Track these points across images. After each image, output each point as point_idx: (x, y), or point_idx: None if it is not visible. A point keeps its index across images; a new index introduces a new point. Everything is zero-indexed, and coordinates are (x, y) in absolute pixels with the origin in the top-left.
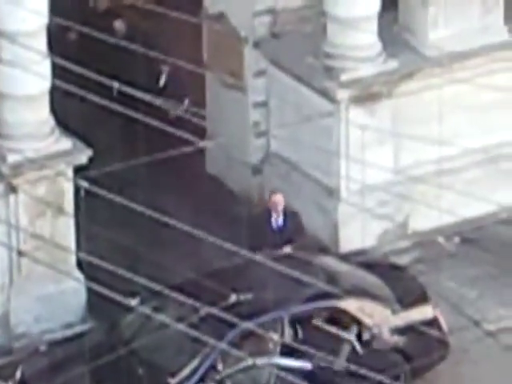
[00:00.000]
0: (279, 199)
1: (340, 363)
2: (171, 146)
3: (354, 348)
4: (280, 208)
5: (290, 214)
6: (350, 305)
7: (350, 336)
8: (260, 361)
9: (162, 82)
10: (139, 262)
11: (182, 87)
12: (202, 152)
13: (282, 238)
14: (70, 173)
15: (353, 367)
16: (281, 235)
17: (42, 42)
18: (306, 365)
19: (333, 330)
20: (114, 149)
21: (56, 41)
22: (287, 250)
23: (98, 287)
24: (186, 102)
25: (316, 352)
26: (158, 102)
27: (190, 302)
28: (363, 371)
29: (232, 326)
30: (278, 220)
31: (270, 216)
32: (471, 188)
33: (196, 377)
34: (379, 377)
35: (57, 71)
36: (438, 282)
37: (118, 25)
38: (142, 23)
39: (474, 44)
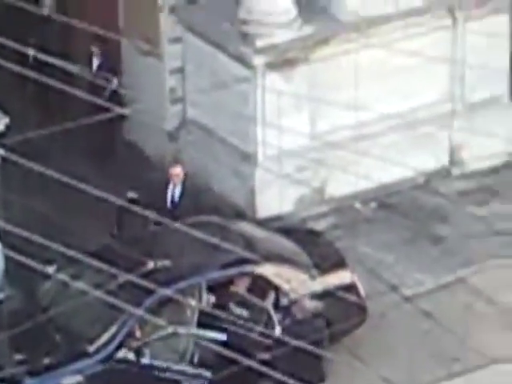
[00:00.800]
0: (178, 171)
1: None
2: (89, 113)
3: (270, 316)
4: (178, 180)
5: (189, 187)
6: (268, 270)
7: (267, 304)
8: (178, 329)
9: (95, 65)
10: (56, 229)
11: (113, 66)
12: (120, 119)
13: (178, 210)
14: None
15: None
16: (177, 206)
17: None
18: (221, 336)
19: (250, 297)
20: (31, 116)
21: None
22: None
23: (15, 255)
24: (115, 81)
25: (233, 319)
26: (73, 69)
27: (108, 268)
28: (283, 338)
29: (150, 292)
30: (174, 192)
31: (166, 187)
32: (388, 153)
33: (114, 344)
34: (298, 343)
35: None
36: (354, 248)
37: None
38: None
39: (389, 9)
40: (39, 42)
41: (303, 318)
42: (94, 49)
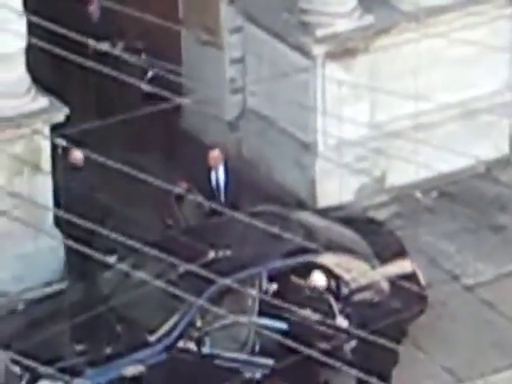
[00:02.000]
0: (216, 155)
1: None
2: (148, 103)
3: (331, 306)
4: (218, 162)
5: (231, 170)
6: (328, 260)
7: (328, 294)
8: (239, 319)
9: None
10: (116, 219)
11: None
12: (178, 108)
13: (224, 194)
14: (46, 131)
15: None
16: (223, 190)
17: (17, 1)
18: (282, 325)
19: (310, 287)
20: (91, 107)
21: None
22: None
23: (75, 245)
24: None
25: (294, 308)
26: (133, 59)
27: (169, 258)
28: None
29: (211, 282)
30: (218, 176)
31: (209, 173)
32: (448, 142)
33: (175, 334)
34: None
35: (33, 29)
36: (415, 237)
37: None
38: None
39: None
40: (98, 34)
41: (380, 300)
42: (141, 45)
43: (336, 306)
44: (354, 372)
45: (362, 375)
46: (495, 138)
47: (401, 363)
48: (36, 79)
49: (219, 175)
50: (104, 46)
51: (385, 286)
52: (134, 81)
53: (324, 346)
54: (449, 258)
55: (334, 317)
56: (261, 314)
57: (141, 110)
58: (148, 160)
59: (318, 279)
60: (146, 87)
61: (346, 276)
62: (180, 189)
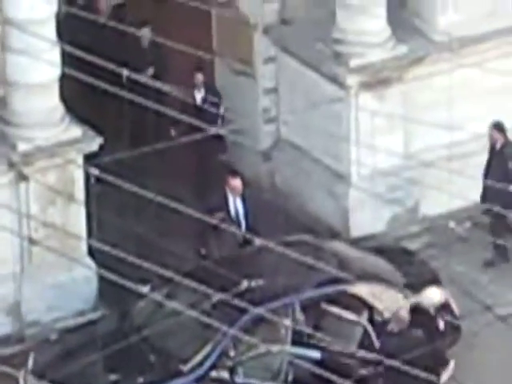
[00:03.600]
0: (237, 183)
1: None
2: (183, 133)
3: (366, 331)
4: (237, 192)
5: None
6: (361, 290)
7: (362, 319)
8: (271, 348)
9: (198, 97)
10: (150, 248)
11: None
12: (215, 138)
13: (241, 221)
14: (80, 160)
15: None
16: (240, 218)
17: (51, 30)
18: (315, 354)
19: (344, 314)
20: (124, 136)
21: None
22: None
23: (109, 275)
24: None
25: (328, 338)
26: (167, 89)
27: (202, 288)
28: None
29: (244, 312)
30: (237, 205)
31: (227, 200)
32: (481, 172)
33: (208, 363)
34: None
35: (66, 59)
36: (449, 267)
37: (144, 32)
38: (151, 11)
39: (482, 29)
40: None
41: (400, 329)
42: (199, 76)
43: (374, 335)
44: None
45: None
46: None
47: None
48: (70, 109)
49: (238, 204)
50: (149, 73)
51: (404, 314)
52: (170, 111)
53: (361, 372)
54: (482, 288)
55: (370, 343)
56: (294, 343)
57: (175, 140)
58: (182, 190)
59: (435, 294)
60: (221, 131)
61: (379, 305)
62: (215, 219)
